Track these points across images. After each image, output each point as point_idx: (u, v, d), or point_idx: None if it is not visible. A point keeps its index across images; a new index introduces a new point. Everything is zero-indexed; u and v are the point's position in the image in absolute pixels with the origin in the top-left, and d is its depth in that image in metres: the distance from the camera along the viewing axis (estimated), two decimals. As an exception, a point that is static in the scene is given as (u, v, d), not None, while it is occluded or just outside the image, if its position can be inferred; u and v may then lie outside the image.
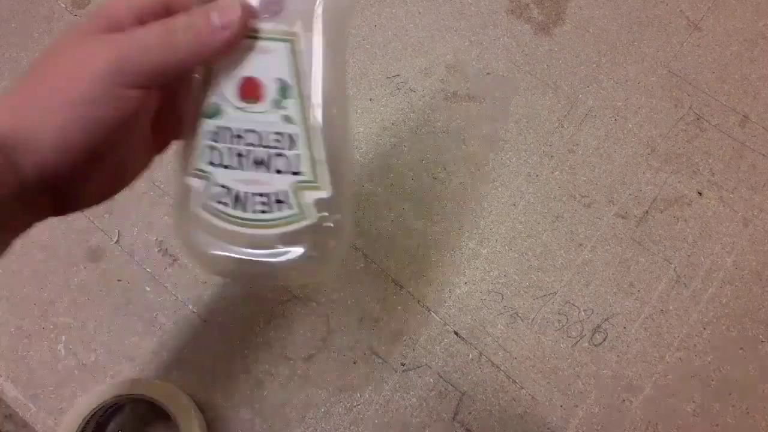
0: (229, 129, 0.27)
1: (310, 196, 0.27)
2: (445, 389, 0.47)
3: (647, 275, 0.49)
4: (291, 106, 0.26)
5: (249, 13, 0.27)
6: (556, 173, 0.52)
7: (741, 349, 0.47)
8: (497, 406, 0.47)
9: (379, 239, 0.50)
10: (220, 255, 0.28)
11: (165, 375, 0.48)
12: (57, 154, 0.26)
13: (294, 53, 0.26)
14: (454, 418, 0.47)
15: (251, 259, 0.27)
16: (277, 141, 0.27)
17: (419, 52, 0.56)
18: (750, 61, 0.55)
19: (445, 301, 0.49)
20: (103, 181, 0.30)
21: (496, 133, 0.54)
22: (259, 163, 0.27)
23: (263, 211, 0.27)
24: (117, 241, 0.51)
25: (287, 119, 0.26)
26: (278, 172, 0.27)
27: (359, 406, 0.47)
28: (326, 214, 0.27)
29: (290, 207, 0.27)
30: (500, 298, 0.49)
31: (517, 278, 0.50)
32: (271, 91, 0.26)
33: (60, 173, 0.27)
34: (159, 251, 0.50)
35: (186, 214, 0.28)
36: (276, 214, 0.27)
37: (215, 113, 0.27)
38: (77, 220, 0.51)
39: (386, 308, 0.49)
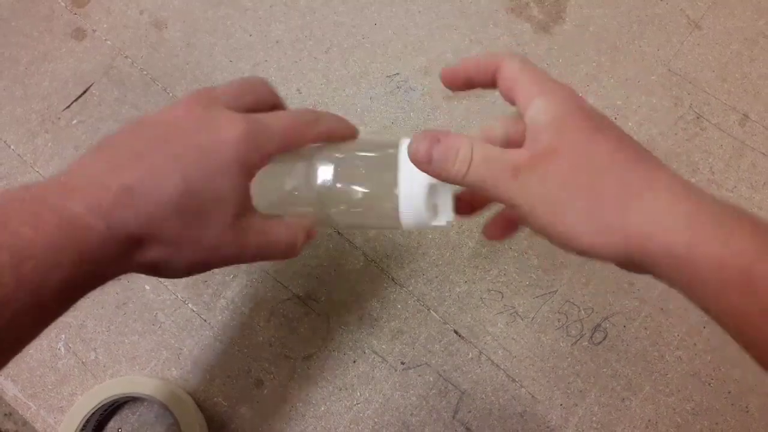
0: None
1: None
2: (445, 388, 0.47)
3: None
4: None
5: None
6: (555, 172, 0.52)
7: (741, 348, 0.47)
8: (497, 405, 0.47)
9: (379, 238, 0.50)
10: None
11: (165, 374, 0.48)
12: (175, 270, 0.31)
13: None
14: (453, 417, 0.47)
15: None
16: None
17: (419, 50, 0.56)
18: (750, 59, 0.55)
19: (444, 300, 0.49)
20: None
21: (495, 131, 0.53)
22: None
23: None
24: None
25: None
26: None
27: (359, 405, 0.47)
28: None
29: None
30: (500, 296, 0.49)
31: (516, 277, 0.50)
32: None
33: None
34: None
35: None
36: None
37: None
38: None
39: (386, 307, 0.49)
